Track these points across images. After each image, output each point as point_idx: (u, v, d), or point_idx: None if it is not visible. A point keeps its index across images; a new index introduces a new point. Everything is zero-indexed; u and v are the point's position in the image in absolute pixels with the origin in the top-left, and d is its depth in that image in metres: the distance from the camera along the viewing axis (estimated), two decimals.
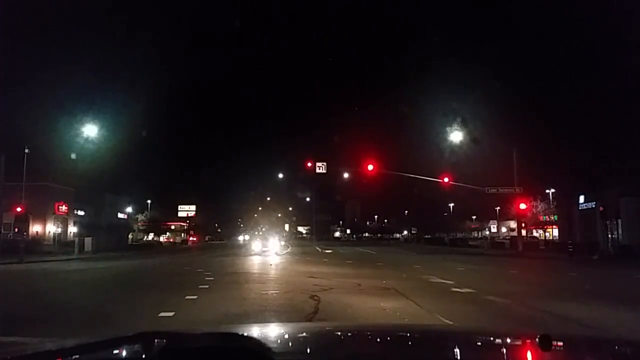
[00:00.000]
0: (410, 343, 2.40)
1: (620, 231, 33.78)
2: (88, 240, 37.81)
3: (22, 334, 6.26)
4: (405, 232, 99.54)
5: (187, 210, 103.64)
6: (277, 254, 33.67)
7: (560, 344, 2.20)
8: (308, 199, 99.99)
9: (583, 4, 41.49)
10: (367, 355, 2.02)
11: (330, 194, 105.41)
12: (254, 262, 24.10)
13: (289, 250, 41.98)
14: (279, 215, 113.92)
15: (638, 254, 26.73)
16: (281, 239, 57.26)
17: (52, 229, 42.07)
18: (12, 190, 29.25)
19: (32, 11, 46.42)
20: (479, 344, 2.41)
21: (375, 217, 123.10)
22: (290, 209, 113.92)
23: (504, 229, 67.03)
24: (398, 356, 2.03)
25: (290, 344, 2.29)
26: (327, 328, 3.30)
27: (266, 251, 35.67)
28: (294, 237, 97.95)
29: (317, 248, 47.87)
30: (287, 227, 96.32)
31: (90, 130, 30.54)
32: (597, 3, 37.32)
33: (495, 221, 67.32)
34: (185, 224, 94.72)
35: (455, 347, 2.22)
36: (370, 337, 2.58)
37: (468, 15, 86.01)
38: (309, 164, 33.49)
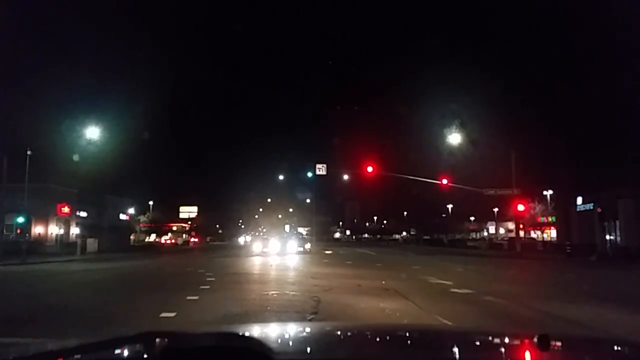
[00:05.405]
0: (409, 343, 2.41)
1: (618, 232, 33.80)
2: (90, 242, 37.77)
3: (23, 335, 6.28)
4: (405, 233, 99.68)
5: (188, 211, 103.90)
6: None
7: (559, 344, 2.22)
8: (308, 200, 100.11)
9: (582, 5, 41.56)
10: (367, 355, 2.03)
11: (330, 196, 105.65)
12: (255, 263, 24.10)
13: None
14: (280, 216, 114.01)
15: (636, 255, 26.76)
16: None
17: (54, 230, 42.04)
18: (14, 192, 29.27)
19: (33, 12, 46.46)
20: (478, 344, 2.42)
21: (375, 218, 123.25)
22: (291, 210, 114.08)
23: (502, 230, 67.07)
24: (398, 356, 2.04)
25: (290, 343, 2.31)
26: (327, 328, 3.31)
27: (267, 252, 35.61)
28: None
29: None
30: (287, 228, 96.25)
31: (93, 132, 30.57)
32: (596, 5, 37.38)
33: (494, 222, 67.33)
34: (186, 225, 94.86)
35: (454, 347, 2.23)
36: (370, 337, 2.60)
37: (467, 17, 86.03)
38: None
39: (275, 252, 34.69)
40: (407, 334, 2.70)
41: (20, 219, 29.61)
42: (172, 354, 1.55)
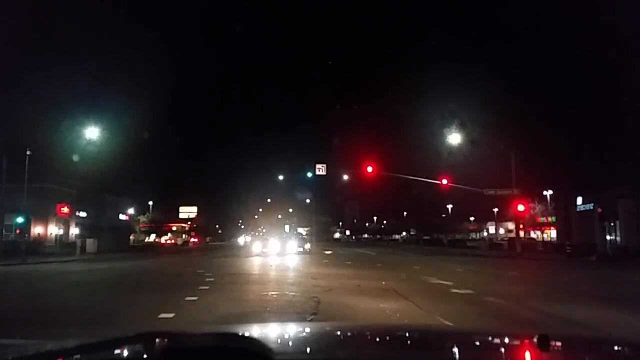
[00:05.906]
0: (410, 344, 2.41)
1: (618, 233, 33.80)
2: (90, 242, 37.80)
3: (23, 336, 6.28)
4: (405, 234, 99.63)
5: (188, 212, 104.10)
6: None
7: (559, 344, 2.21)
8: (308, 201, 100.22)
9: (583, 5, 41.56)
10: (367, 356, 2.03)
11: (330, 196, 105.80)
12: (255, 264, 24.08)
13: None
14: (280, 216, 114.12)
15: (636, 255, 26.77)
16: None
17: (54, 230, 42.00)
18: (14, 192, 29.28)
19: (33, 13, 46.43)
20: (478, 344, 2.42)
21: (375, 218, 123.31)
22: (291, 210, 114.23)
23: (502, 231, 67.10)
24: (398, 357, 2.04)
25: (290, 344, 2.30)
26: (327, 328, 3.30)
27: (267, 252, 35.61)
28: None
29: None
30: (287, 228, 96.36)
31: (92, 133, 30.62)
32: (597, 4, 37.38)
33: (494, 223, 67.36)
34: (186, 226, 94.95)
35: (454, 348, 2.23)
36: (370, 337, 2.59)
37: (467, 17, 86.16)
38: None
39: (275, 253, 34.66)
40: (408, 335, 2.69)
41: (20, 220, 29.64)
42: (171, 354, 1.54)
